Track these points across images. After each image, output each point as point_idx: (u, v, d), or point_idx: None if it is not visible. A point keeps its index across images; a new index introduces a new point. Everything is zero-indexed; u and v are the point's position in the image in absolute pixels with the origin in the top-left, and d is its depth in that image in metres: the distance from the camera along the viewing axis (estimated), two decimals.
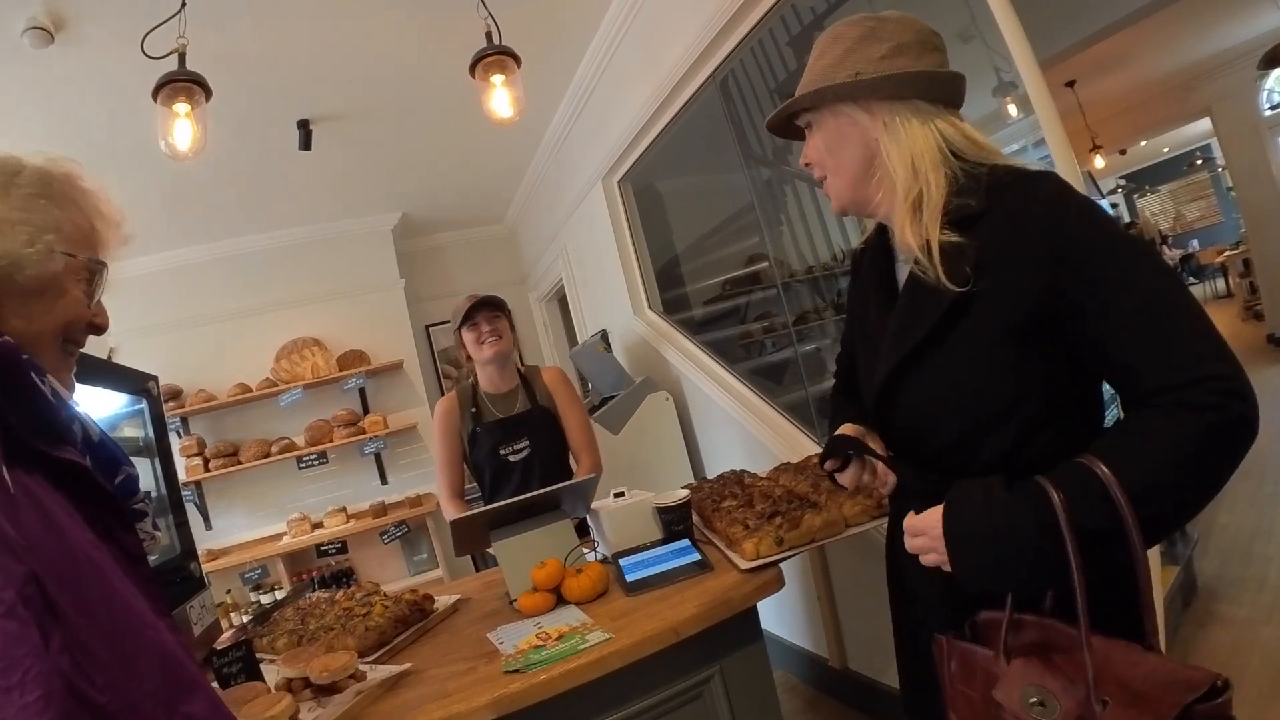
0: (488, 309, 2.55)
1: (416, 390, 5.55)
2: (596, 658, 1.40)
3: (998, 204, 1.03)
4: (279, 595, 4.79)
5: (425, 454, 5.51)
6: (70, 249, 0.93)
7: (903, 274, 1.20)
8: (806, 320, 4.37)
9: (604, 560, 1.96)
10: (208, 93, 2.26)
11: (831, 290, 4.58)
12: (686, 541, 1.87)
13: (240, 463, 4.99)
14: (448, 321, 5.96)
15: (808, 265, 4.62)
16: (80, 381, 1.75)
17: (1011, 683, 0.94)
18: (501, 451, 2.55)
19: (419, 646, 1.76)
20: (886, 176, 1.13)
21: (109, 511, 0.88)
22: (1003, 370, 1.05)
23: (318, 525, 5.13)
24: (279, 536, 5.10)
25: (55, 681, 0.66)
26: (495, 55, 2.44)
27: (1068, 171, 2.07)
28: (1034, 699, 0.90)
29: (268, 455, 5.02)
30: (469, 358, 2.61)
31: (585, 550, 1.99)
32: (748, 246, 4.67)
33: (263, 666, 1.69)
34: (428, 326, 6.13)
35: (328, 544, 4.83)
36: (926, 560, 1.06)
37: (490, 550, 1.96)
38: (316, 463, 5.10)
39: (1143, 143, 10.84)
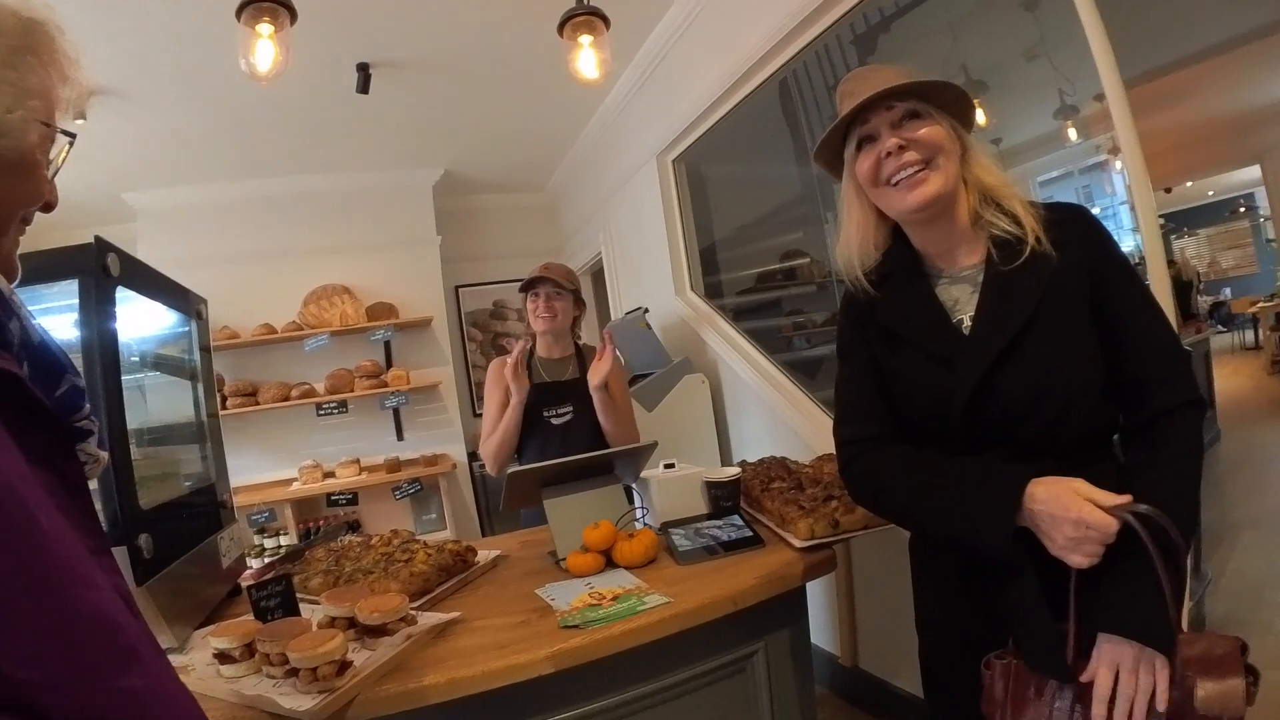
0: (549, 285, 2.61)
1: (442, 349, 5.54)
2: (657, 619, 1.40)
3: (1049, 220, 1.24)
4: (283, 540, 4.80)
5: (444, 414, 5.51)
6: (48, 118, 0.82)
7: (955, 293, 1.29)
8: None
9: (650, 529, 1.95)
10: (293, 15, 2.22)
11: None
12: (737, 518, 1.86)
13: (258, 403, 4.99)
14: (478, 284, 6.04)
15: None
16: (137, 291, 1.73)
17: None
18: (545, 413, 2.59)
19: (462, 597, 1.74)
20: (966, 188, 1.29)
21: (46, 432, 0.75)
22: (1083, 347, 1.19)
23: (329, 474, 5.13)
24: (290, 482, 5.11)
25: None
26: (585, 15, 2.42)
27: (1143, 195, 2.04)
28: None
29: (287, 399, 5.02)
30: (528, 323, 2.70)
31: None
32: (791, 240, 4.63)
33: (300, 603, 1.67)
34: (457, 287, 6.11)
35: (339, 494, 4.82)
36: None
37: (518, 511, 1.94)
38: (335, 411, 5.08)
39: (1188, 184, 10.73)
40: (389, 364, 5.35)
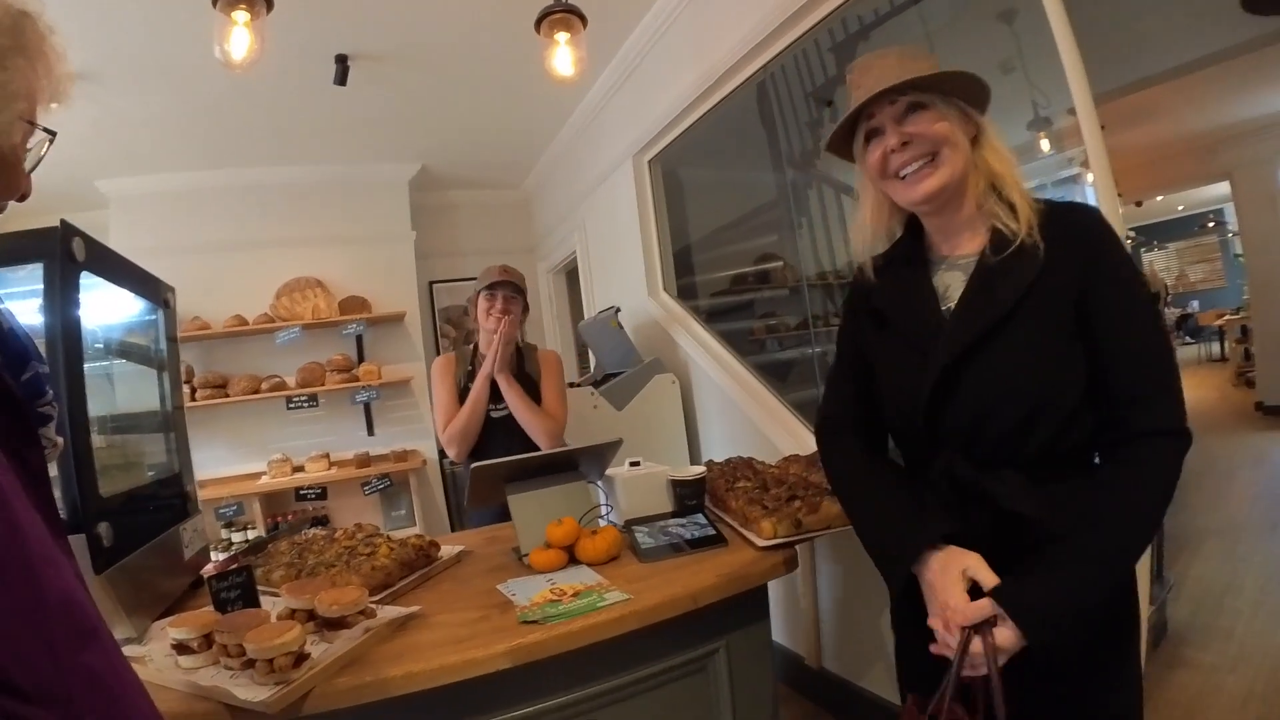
0: (509, 288, 2.73)
1: (414, 345, 5.50)
2: (616, 616, 1.40)
3: (1049, 216, 1.19)
4: (250, 534, 4.75)
5: (415, 410, 5.48)
6: (31, 116, 0.83)
7: (948, 279, 1.28)
8: (814, 325, 4.36)
9: (614, 526, 1.95)
10: (269, 4, 2.21)
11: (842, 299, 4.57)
12: (701, 517, 1.88)
13: (228, 395, 4.94)
14: (452, 280, 6.01)
15: (821, 270, 4.61)
16: (103, 277, 1.71)
17: None
18: (486, 407, 2.69)
19: (424, 592, 1.74)
20: (976, 173, 1.24)
21: (12, 418, 0.78)
22: (1059, 355, 1.14)
23: (299, 469, 5.08)
24: (258, 475, 5.05)
25: None
26: (561, 13, 2.42)
27: (1110, 208, 2.07)
28: None
29: (257, 391, 4.96)
30: (476, 319, 2.78)
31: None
32: (764, 244, 4.65)
33: (261, 596, 1.65)
34: (431, 283, 6.08)
35: (307, 488, 4.79)
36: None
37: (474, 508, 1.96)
38: (306, 405, 5.04)
39: (1159, 198, 10.90)
40: (361, 358, 5.31)
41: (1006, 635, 1.05)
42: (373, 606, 1.51)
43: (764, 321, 4.56)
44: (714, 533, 1.78)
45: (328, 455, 5.13)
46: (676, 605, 1.46)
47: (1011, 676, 1.05)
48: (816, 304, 4.49)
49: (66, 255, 1.48)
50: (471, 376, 2.71)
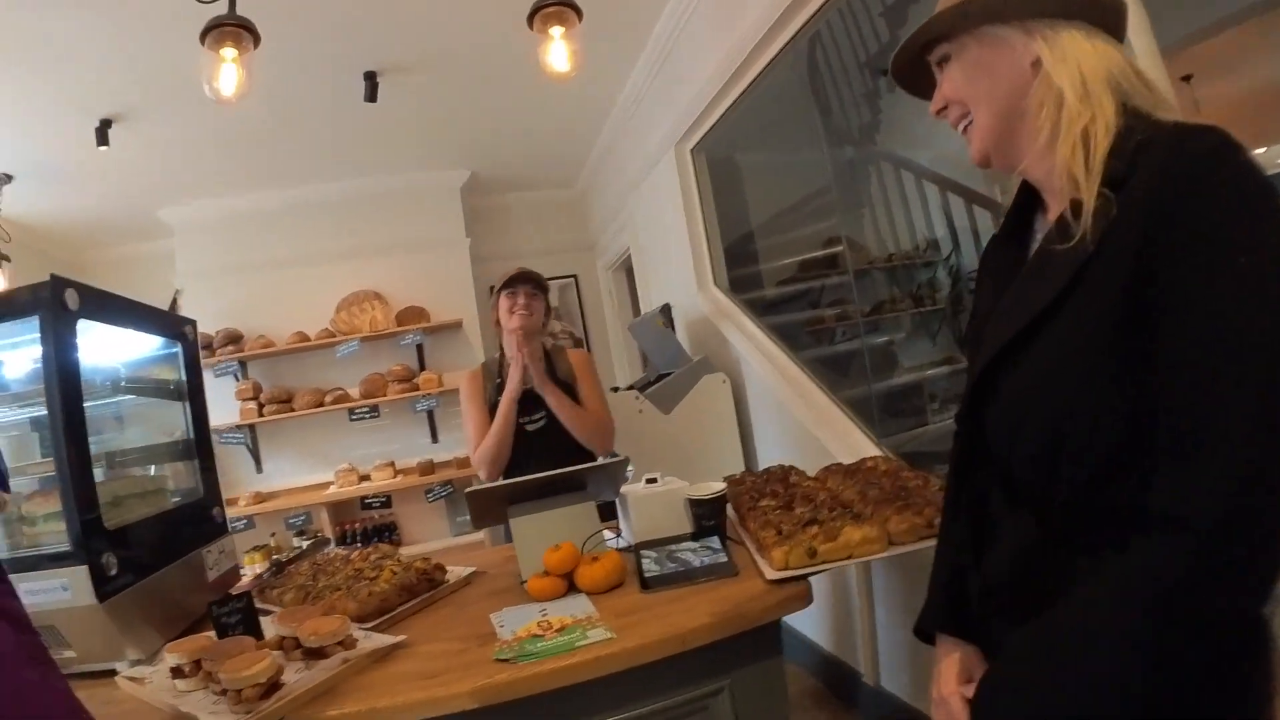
0: (529, 284, 2.61)
1: (474, 351, 5.48)
2: (592, 658, 1.29)
3: (1144, 163, 0.78)
4: None
5: None
6: None
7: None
8: (881, 311, 4.14)
9: (626, 548, 1.84)
10: (256, 39, 2.23)
11: (910, 282, 4.33)
12: (716, 540, 1.73)
13: (294, 409, 5.05)
14: None
15: (888, 253, 4.37)
16: (102, 322, 1.78)
17: None
18: (520, 420, 2.52)
19: (423, 617, 1.70)
20: (1046, 108, 0.88)
21: None
22: (1094, 369, 0.80)
23: (365, 478, 5.16)
24: (326, 485, 5.16)
25: None
26: (555, 6, 2.31)
27: None
28: None
29: (321, 404, 5.06)
30: (497, 323, 2.65)
31: (609, 534, 1.88)
32: (823, 228, 4.44)
33: (265, 620, 1.64)
34: (491, 287, 6.06)
35: (372, 497, 4.86)
36: None
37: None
38: (368, 415, 5.10)
39: (1261, 150, 10.02)
40: (421, 367, 5.34)
41: None
42: (354, 636, 1.48)
43: (829, 310, 4.34)
44: (724, 561, 1.63)
45: (392, 464, 5.19)
46: (662, 647, 1.32)
47: None
48: (881, 289, 4.27)
49: (60, 306, 1.59)
50: (500, 389, 2.55)
